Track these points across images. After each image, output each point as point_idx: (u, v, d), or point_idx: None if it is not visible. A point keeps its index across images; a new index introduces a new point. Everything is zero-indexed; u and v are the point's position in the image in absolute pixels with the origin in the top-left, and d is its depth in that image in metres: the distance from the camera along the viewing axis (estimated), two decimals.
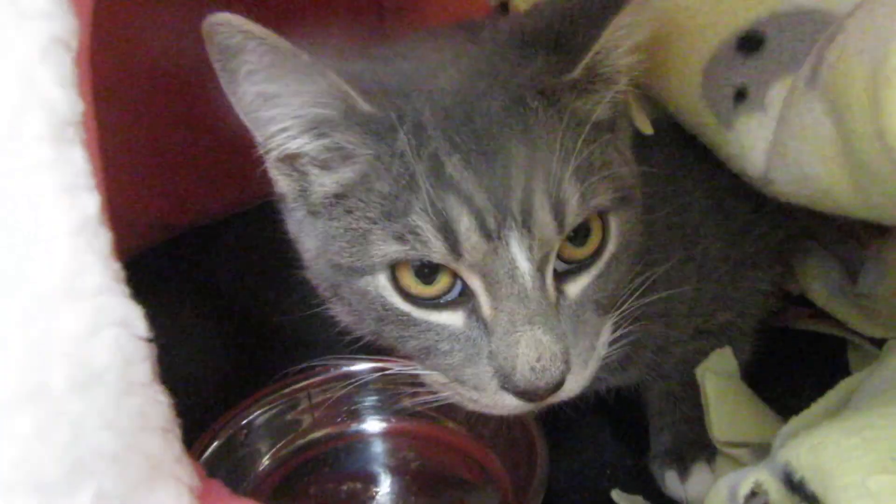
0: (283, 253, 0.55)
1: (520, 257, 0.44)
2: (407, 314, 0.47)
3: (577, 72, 0.47)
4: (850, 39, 0.42)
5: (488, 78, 0.47)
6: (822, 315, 0.73)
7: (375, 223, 0.46)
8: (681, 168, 0.61)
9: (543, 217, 0.44)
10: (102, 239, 0.35)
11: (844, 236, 0.74)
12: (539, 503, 0.58)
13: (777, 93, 0.52)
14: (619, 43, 0.48)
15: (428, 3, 1.01)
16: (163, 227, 0.99)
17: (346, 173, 0.48)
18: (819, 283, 0.74)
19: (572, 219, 0.45)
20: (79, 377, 0.34)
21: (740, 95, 0.54)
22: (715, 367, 0.62)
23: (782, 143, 0.50)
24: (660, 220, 0.58)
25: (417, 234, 0.45)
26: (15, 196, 0.32)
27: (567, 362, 0.45)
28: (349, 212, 0.47)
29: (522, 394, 0.45)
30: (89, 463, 0.34)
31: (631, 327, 0.51)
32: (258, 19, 0.43)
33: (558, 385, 0.45)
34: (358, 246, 0.47)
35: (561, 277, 0.47)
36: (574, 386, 0.47)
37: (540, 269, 0.45)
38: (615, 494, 0.61)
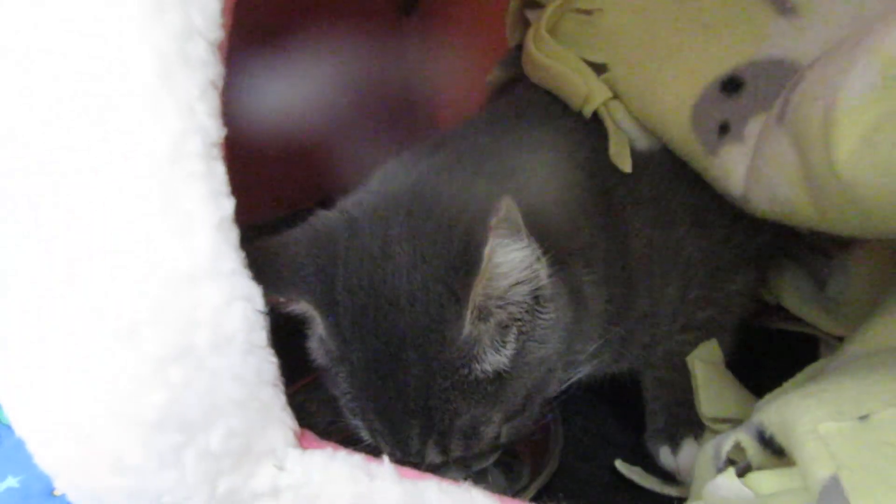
0: None
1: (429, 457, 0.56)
2: None
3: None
4: (809, 87, 0.50)
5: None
6: (795, 318, 0.80)
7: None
8: (668, 192, 0.69)
9: (432, 456, 0.56)
10: (234, 233, 0.44)
11: (812, 250, 0.80)
12: (554, 469, 0.66)
13: (753, 127, 0.59)
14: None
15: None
16: None
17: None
18: (792, 291, 0.81)
19: (459, 454, 0.57)
20: (217, 339, 0.42)
21: (723, 129, 0.61)
22: (702, 356, 0.70)
23: (757, 169, 0.57)
24: (647, 237, 0.67)
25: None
26: (176, 197, 0.42)
27: None
28: None
29: None
30: (222, 407, 0.43)
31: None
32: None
33: None
34: None
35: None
36: None
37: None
38: (619, 464, 0.69)
